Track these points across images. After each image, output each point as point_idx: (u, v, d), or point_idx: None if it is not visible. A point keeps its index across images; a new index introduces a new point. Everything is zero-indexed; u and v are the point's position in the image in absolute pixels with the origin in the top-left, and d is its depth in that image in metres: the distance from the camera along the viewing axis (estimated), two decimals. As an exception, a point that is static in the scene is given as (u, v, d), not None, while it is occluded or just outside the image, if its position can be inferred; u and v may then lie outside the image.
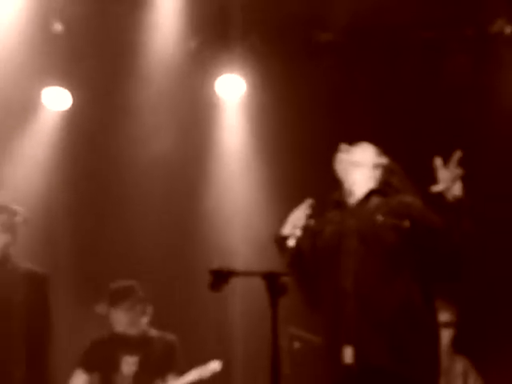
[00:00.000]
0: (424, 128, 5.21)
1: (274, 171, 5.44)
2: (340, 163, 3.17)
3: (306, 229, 3.08)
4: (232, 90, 5.46)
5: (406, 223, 2.94)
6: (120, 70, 5.32)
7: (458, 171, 2.86)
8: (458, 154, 2.87)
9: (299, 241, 3.06)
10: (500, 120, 5.22)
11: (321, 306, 3.07)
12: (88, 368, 4.44)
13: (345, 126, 5.08)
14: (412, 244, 2.92)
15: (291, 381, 4.29)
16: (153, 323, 4.51)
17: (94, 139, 5.55)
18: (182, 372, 4.33)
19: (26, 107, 5.44)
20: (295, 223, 3.06)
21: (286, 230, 3.07)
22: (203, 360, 4.30)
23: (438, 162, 2.88)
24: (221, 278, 2.60)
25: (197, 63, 5.36)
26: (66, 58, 5.28)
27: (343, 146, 3.20)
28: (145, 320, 4.47)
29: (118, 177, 5.53)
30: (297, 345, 4.50)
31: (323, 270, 3.05)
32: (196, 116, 5.54)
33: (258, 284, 2.63)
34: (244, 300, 5.20)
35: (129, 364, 4.36)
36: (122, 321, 4.40)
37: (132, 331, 4.42)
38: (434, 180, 2.91)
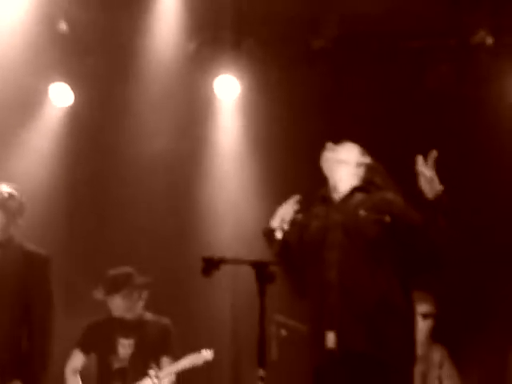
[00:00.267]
0: (408, 131, 5.29)
1: (265, 169, 5.51)
2: (326, 161, 3.29)
3: (293, 223, 3.19)
4: (228, 91, 5.51)
5: (387, 218, 3.05)
6: (121, 71, 5.39)
7: (433, 171, 2.96)
8: (433, 154, 2.97)
9: (286, 234, 3.17)
10: (480, 126, 5.31)
11: (306, 296, 3.18)
12: (85, 349, 4.52)
13: (333, 127, 5.15)
14: (392, 238, 3.03)
15: (278, 366, 4.39)
16: (148, 307, 4.58)
17: (94, 136, 5.61)
18: (175, 355, 4.41)
19: (32, 103, 5.50)
20: (283, 217, 3.17)
21: (275, 223, 3.19)
22: (195, 347, 4.38)
23: (420, 160, 2.98)
24: (212, 264, 2.70)
25: (195, 64, 5.41)
26: (70, 56, 5.35)
27: (329, 145, 3.32)
28: (140, 304, 4.54)
29: (117, 171, 5.58)
30: (283, 332, 4.57)
31: (309, 261, 3.16)
32: (193, 116, 5.59)
33: (249, 275, 2.74)
34: (235, 290, 5.32)
35: (125, 346, 4.43)
36: (119, 306, 4.47)
37: (128, 315, 4.49)
38: (414, 180, 3.00)
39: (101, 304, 4.54)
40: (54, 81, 5.44)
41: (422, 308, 4.61)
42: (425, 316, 4.62)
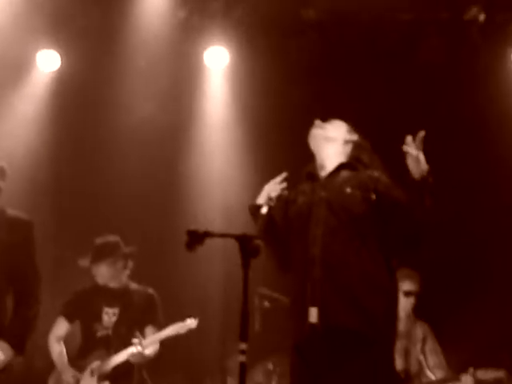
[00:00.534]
0: (398, 105, 5.30)
1: (253, 140, 5.50)
2: (314, 138, 3.29)
3: (279, 199, 3.19)
4: (217, 61, 5.47)
5: (373, 196, 3.07)
6: (109, 38, 5.33)
7: (420, 150, 2.96)
8: (421, 134, 2.98)
9: (272, 210, 3.17)
10: (470, 102, 5.32)
11: (291, 271, 3.19)
12: (70, 317, 4.55)
13: (322, 99, 5.14)
14: (377, 216, 3.04)
15: (261, 337, 4.45)
16: (133, 278, 4.60)
17: (81, 101, 5.56)
18: (160, 325, 4.42)
19: (19, 67, 5.45)
20: (269, 194, 3.17)
21: (261, 199, 3.18)
22: (181, 318, 4.38)
23: (408, 139, 2.98)
24: (196, 238, 2.66)
25: (184, 33, 5.36)
26: (58, 22, 5.27)
27: (317, 122, 3.31)
28: (126, 274, 4.56)
29: (103, 139, 5.55)
30: (267, 304, 4.63)
31: (294, 237, 3.17)
32: (181, 85, 5.55)
33: (235, 248, 2.72)
34: (224, 261, 5.33)
35: (109, 315, 4.46)
36: (104, 274, 4.49)
37: (113, 284, 4.52)
38: (402, 157, 3.01)
39: (86, 273, 4.54)
40: (40, 47, 5.39)
41: (405, 286, 4.67)
42: (407, 294, 4.69)
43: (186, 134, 5.65)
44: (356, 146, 3.29)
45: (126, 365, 4.34)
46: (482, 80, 5.34)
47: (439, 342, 4.75)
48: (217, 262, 5.29)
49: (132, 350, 4.27)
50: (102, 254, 4.46)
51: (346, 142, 3.29)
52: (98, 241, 4.53)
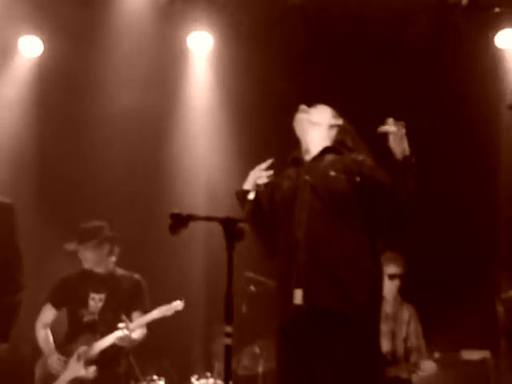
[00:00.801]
0: (384, 93, 5.31)
1: (237, 125, 5.51)
2: (299, 122, 3.30)
3: (265, 185, 3.20)
4: (201, 46, 5.46)
5: (357, 179, 3.08)
6: (92, 24, 5.30)
7: (403, 129, 2.99)
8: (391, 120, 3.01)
9: (259, 194, 3.18)
10: (456, 86, 5.37)
11: (276, 254, 3.21)
12: (56, 303, 4.56)
13: (306, 85, 5.15)
14: (362, 199, 3.06)
15: (247, 318, 4.48)
16: (119, 265, 4.60)
17: (64, 86, 5.54)
18: (146, 311, 4.43)
19: (2, 53, 5.44)
20: (256, 180, 3.18)
21: (247, 185, 3.19)
22: (167, 300, 4.39)
23: (390, 120, 3.01)
24: (180, 221, 2.64)
25: (167, 17, 5.33)
26: (41, 8, 5.23)
27: (302, 107, 3.32)
28: (112, 259, 4.57)
29: (87, 124, 5.53)
30: (253, 288, 4.67)
31: (279, 221, 3.18)
32: (165, 69, 5.55)
33: (220, 232, 2.71)
34: (206, 247, 5.35)
35: (95, 300, 4.46)
36: (89, 258, 4.50)
37: (99, 269, 4.53)
38: (385, 142, 3.03)
39: (72, 258, 4.54)
40: (22, 32, 5.37)
41: (390, 269, 4.73)
42: (392, 277, 4.75)
43: (169, 120, 5.64)
44: (341, 131, 3.31)
45: (113, 349, 4.35)
46: (466, 64, 5.37)
47: (426, 323, 4.81)
48: (202, 246, 5.31)
49: (118, 333, 4.27)
50: (87, 236, 4.47)
51: (331, 126, 3.30)
52: (83, 225, 4.54)
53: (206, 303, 5.41)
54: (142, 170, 5.58)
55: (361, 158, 3.19)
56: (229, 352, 2.57)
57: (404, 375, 4.67)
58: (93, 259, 4.50)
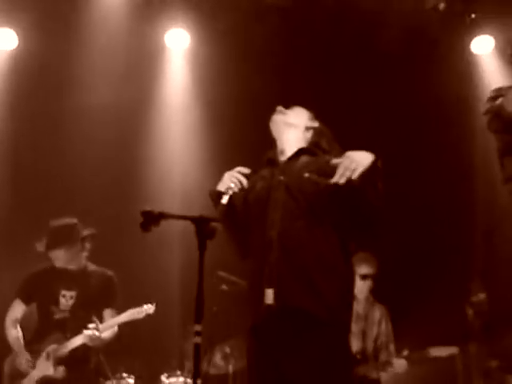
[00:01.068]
0: (359, 93, 5.35)
1: (212, 121, 5.50)
2: (275, 123, 3.31)
3: (240, 188, 3.18)
4: (178, 42, 5.45)
5: (331, 181, 3.04)
6: (68, 18, 5.27)
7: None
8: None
9: (232, 194, 3.14)
10: (428, 90, 5.41)
11: (249, 254, 3.20)
12: (26, 299, 4.50)
13: (283, 84, 5.17)
14: (334, 200, 3.05)
15: (218, 317, 4.47)
16: (93, 261, 4.56)
17: (41, 81, 5.48)
18: (118, 308, 4.40)
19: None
20: (230, 183, 3.14)
21: (221, 186, 3.16)
22: (141, 300, 4.37)
23: (335, 161, 2.99)
24: (151, 219, 2.63)
25: (144, 14, 5.32)
26: (16, 2, 5.21)
27: (279, 108, 3.33)
28: (84, 255, 4.52)
29: (62, 118, 5.48)
30: (225, 287, 4.67)
31: (253, 221, 3.18)
32: (142, 65, 5.52)
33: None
34: (181, 245, 5.33)
35: (66, 298, 4.42)
36: (61, 258, 4.44)
37: (71, 266, 4.48)
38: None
39: (44, 254, 4.47)
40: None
41: (362, 269, 4.77)
42: (364, 277, 4.79)
43: (145, 117, 5.62)
44: (316, 133, 3.32)
45: (83, 349, 4.31)
46: (441, 69, 5.41)
47: (396, 323, 4.84)
48: (177, 244, 5.28)
49: (88, 334, 4.23)
50: (58, 239, 4.39)
51: (307, 128, 3.32)
52: (54, 224, 4.45)
53: (181, 302, 5.39)
54: (117, 166, 5.53)
55: (335, 160, 3.20)
56: (198, 350, 2.57)
57: (373, 374, 4.71)
58: (65, 259, 4.45)
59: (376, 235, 3.29)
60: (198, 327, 2.57)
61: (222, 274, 4.61)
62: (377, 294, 4.92)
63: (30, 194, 5.51)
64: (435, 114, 5.43)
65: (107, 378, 4.45)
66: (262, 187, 3.20)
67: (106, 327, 4.30)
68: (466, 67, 5.64)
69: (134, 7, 5.28)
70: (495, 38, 5.62)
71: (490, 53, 5.72)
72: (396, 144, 5.17)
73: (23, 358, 4.34)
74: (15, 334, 4.47)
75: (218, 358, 4.88)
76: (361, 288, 4.80)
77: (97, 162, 5.47)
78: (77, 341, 4.29)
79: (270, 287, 3.00)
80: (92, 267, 4.55)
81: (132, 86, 5.50)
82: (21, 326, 4.51)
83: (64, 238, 4.40)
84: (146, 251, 5.22)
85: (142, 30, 5.39)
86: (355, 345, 4.73)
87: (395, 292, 5.08)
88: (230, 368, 4.80)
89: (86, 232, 4.51)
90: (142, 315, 4.30)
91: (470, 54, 5.72)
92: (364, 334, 4.80)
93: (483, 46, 5.72)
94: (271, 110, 3.33)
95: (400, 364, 4.70)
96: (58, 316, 4.42)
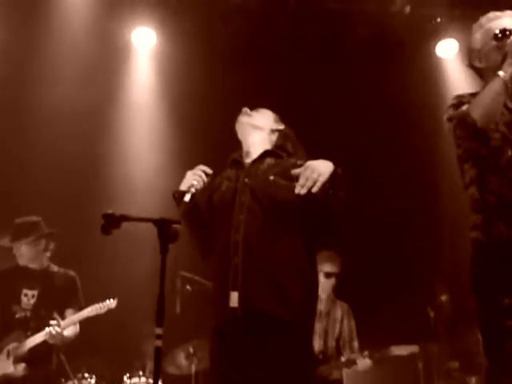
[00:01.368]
0: (325, 95, 5.36)
1: (178, 123, 5.48)
2: (241, 125, 3.29)
3: (203, 186, 3.15)
4: (144, 41, 5.42)
5: (294, 184, 3.00)
6: (33, 13, 5.19)
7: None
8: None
9: (196, 196, 3.11)
10: (396, 91, 5.45)
11: (212, 256, 3.19)
12: (-13, 297, 4.43)
13: (248, 84, 5.15)
14: (298, 203, 3.03)
15: (182, 320, 4.45)
16: (55, 261, 4.52)
17: (3, 76, 5.36)
18: (80, 308, 4.36)
19: None
20: (192, 182, 3.11)
21: (183, 186, 3.12)
22: (102, 300, 4.32)
23: (295, 171, 2.96)
24: (112, 221, 2.58)
25: (111, 13, 5.28)
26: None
27: (245, 110, 3.31)
28: (47, 255, 4.49)
29: (24, 116, 5.40)
30: (189, 288, 4.65)
31: (218, 222, 3.16)
32: (107, 63, 5.47)
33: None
34: (145, 245, 5.29)
35: (28, 297, 4.37)
36: (25, 255, 4.42)
37: (34, 265, 4.44)
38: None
39: (8, 253, 4.44)
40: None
41: (326, 267, 4.79)
42: (328, 275, 4.81)
43: (110, 114, 5.57)
44: (282, 135, 3.31)
45: (44, 347, 4.27)
46: (405, 71, 5.45)
47: (360, 320, 4.86)
48: (140, 245, 5.23)
49: (49, 331, 4.19)
50: (22, 232, 4.38)
51: (273, 130, 3.30)
52: (18, 221, 4.45)
53: (144, 302, 5.32)
54: (81, 164, 5.48)
55: (300, 163, 3.15)
56: (158, 354, 2.54)
57: (334, 375, 4.72)
58: (28, 256, 4.42)
59: (338, 238, 3.30)
60: (158, 330, 2.53)
61: (185, 274, 4.59)
62: (340, 292, 4.93)
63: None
64: (400, 116, 5.47)
65: (68, 378, 4.42)
66: (228, 188, 3.18)
67: (67, 323, 4.26)
68: (430, 70, 5.69)
69: (99, 5, 5.22)
70: (460, 41, 5.67)
71: (455, 56, 5.78)
72: (360, 146, 5.21)
73: None
74: None
75: (180, 358, 4.86)
76: (324, 286, 4.82)
77: (60, 160, 5.40)
78: (37, 338, 4.25)
79: (234, 290, 2.99)
80: (55, 267, 4.52)
81: (97, 84, 5.45)
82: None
83: (27, 231, 4.37)
84: (110, 251, 5.17)
85: (108, 28, 5.34)
86: (317, 344, 4.75)
87: (359, 291, 5.11)
88: (193, 368, 4.77)
89: (49, 230, 4.47)
90: (104, 310, 4.28)
91: (435, 57, 5.76)
92: (326, 333, 4.82)
93: (448, 50, 5.78)
94: (236, 111, 3.30)
95: (364, 362, 4.72)
96: (19, 315, 4.37)
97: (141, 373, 4.60)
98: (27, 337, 4.27)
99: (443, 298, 4.90)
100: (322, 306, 4.84)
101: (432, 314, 4.88)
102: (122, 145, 5.58)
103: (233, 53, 5.38)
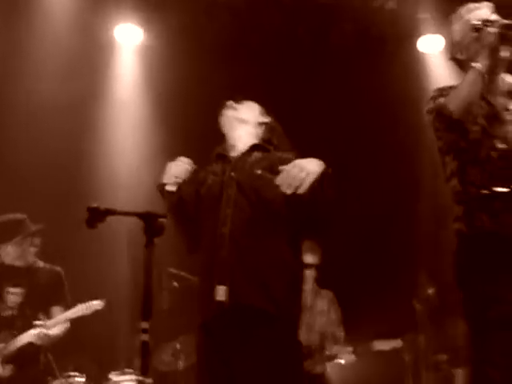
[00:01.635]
0: (309, 88, 5.37)
1: (162, 118, 5.46)
2: (226, 119, 3.25)
3: (188, 179, 3.13)
4: (129, 38, 5.41)
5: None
6: (18, 10, 5.16)
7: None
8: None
9: (182, 189, 3.11)
10: (377, 86, 5.46)
11: (199, 250, 3.16)
12: (-29, 296, 4.38)
13: (235, 81, 5.11)
14: (284, 198, 3.00)
15: (169, 315, 4.44)
16: (41, 257, 4.48)
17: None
18: (67, 305, 4.34)
19: None
20: (174, 173, 3.10)
21: (166, 178, 3.11)
22: (90, 297, 4.30)
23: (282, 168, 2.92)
24: (97, 215, 2.57)
25: (95, 8, 5.26)
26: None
27: (230, 103, 3.28)
28: (32, 251, 4.43)
29: (7, 111, 5.37)
30: (175, 284, 4.64)
31: (204, 216, 3.14)
32: (91, 59, 5.45)
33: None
34: (131, 241, 5.27)
35: (13, 295, 4.33)
36: (10, 254, 4.38)
37: (20, 263, 4.40)
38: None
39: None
40: None
41: (306, 258, 4.76)
42: (309, 266, 4.78)
43: (94, 110, 5.54)
44: (268, 129, 3.28)
45: (32, 347, 4.23)
46: (389, 66, 5.47)
47: (344, 314, 4.86)
48: (126, 240, 5.22)
49: (35, 332, 4.16)
50: (7, 233, 4.33)
51: (259, 124, 3.27)
52: (2, 219, 4.38)
53: (130, 298, 5.30)
54: (65, 160, 5.44)
55: (286, 157, 3.14)
56: (145, 348, 2.52)
57: (317, 369, 4.72)
58: (14, 255, 4.38)
59: (325, 234, 3.30)
60: (144, 324, 2.52)
61: (171, 270, 4.58)
62: (324, 285, 4.91)
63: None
64: (383, 110, 5.49)
65: (55, 377, 4.36)
66: (214, 182, 3.16)
67: (53, 323, 4.23)
68: (413, 65, 5.71)
69: (83, 4, 5.20)
70: (443, 37, 5.69)
71: (439, 52, 5.80)
72: (344, 139, 5.22)
73: None
74: None
75: (167, 355, 4.85)
76: (305, 278, 4.80)
77: (43, 156, 5.36)
78: (23, 339, 4.20)
79: (221, 284, 2.97)
80: (40, 263, 4.47)
81: (80, 80, 5.41)
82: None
83: (12, 232, 4.33)
84: (96, 247, 5.16)
85: (92, 23, 5.31)
86: (302, 338, 4.72)
87: (344, 286, 5.09)
88: (180, 364, 4.76)
89: (34, 227, 4.42)
90: (90, 311, 4.24)
91: (418, 52, 5.78)
92: (309, 326, 4.80)
93: (432, 45, 5.79)
94: (222, 105, 3.27)
95: (347, 357, 4.72)
96: (4, 313, 4.32)
97: (129, 370, 4.58)
98: (14, 336, 4.23)
99: (430, 291, 4.92)
100: (305, 299, 4.82)
101: (418, 306, 4.89)
102: (106, 141, 5.54)
103: (218, 49, 5.37)
